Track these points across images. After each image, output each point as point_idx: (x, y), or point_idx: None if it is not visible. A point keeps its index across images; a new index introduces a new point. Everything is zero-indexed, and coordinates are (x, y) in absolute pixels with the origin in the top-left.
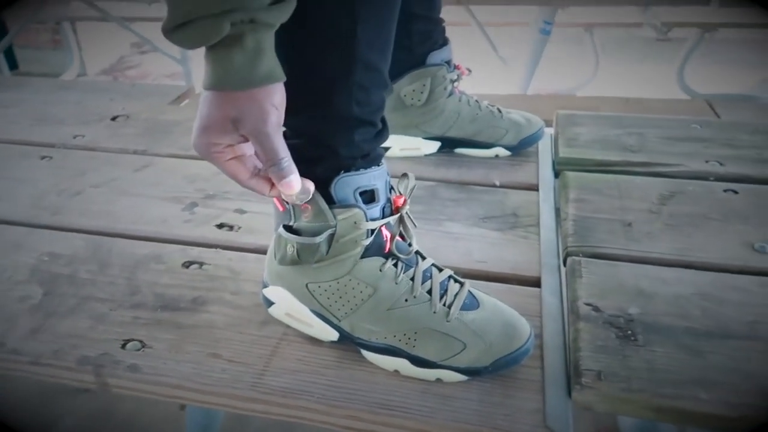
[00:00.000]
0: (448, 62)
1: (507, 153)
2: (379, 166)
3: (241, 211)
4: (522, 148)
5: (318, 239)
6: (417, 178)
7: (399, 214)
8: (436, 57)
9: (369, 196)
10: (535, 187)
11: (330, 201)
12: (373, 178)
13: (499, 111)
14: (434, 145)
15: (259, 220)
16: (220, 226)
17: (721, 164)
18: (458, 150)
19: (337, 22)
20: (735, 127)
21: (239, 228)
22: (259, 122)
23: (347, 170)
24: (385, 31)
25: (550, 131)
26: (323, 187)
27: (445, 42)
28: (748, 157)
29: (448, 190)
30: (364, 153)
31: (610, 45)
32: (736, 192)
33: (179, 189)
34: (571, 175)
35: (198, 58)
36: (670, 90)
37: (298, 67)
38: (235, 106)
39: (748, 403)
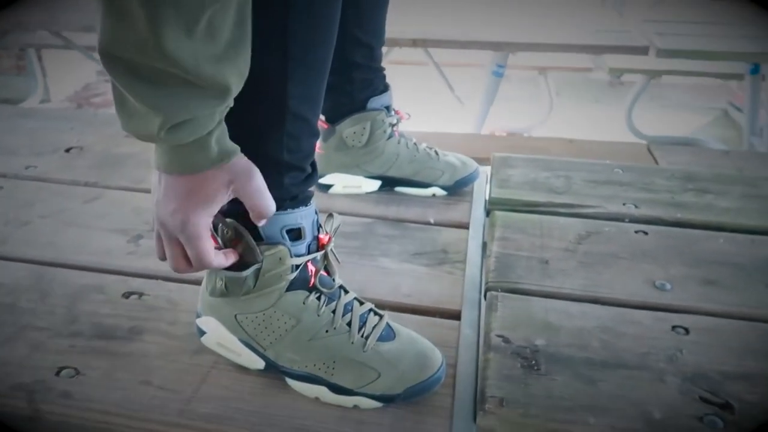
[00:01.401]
0: (388, 107)
1: (443, 193)
2: (307, 206)
3: None
4: (458, 188)
5: (245, 273)
6: (357, 215)
7: (324, 251)
8: (376, 102)
9: (296, 234)
10: (466, 225)
11: (258, 238)
12: (300, 217)
13: (436, 153)
14: (375, 184)
15: None
16: (164, 258)
17: (636, 207)
18: (398, 188)
19: (270, 78)
20: (653, 171)
21: None
22: (251, 178)
23: (275, 210)
24: (316, 86)
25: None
26: (252, 225)
27: (385, 88)
28: (661, 200)
29: (385, 227)
30: (292, 195)
31: (566, 87)
32: (646, 233)
33: (126, 221)
34: (499, 214)
35: None
36: (619, 131)
37: (234, 116)
38: (230, 171)
39: (633, 428)
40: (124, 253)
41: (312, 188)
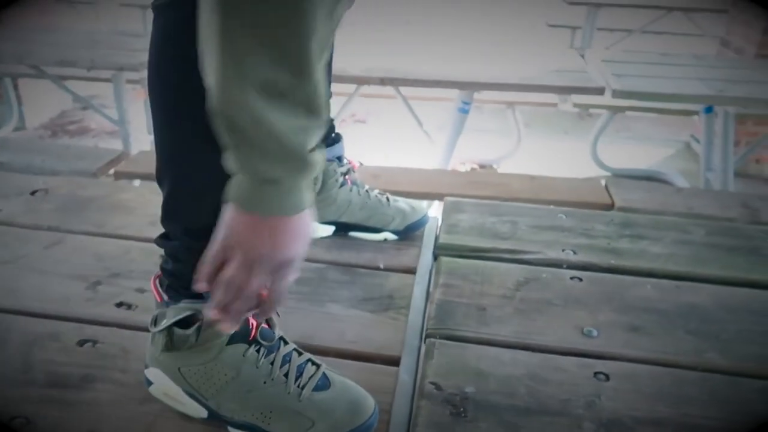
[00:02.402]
0: (339, 157)
1: (394, 237)
2: None
3: (142, 291)
4: (408, 233)
5: (188, 331)
6: (309, 260)
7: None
8: (328, 153)
9: None
10: (413, 271)
11: (202, 295)
12: None
13: (387, 199)
14: (329, 229)
15: None
16: (119, 305)
17: (574, 253)
18: (351, 233)
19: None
20: (594, 217)
21: (137, 307)
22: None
23: None
24: None
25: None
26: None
27: (337, 139)
28: (598, 246)
29: (336, 273)
30: None
31: (536, 118)
32: (581, 279)
33: (86, 267)
34: (444, 260)
35: (136, 121)
36: (586, 163)
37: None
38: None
39: None
40: (82, 299)
41: None
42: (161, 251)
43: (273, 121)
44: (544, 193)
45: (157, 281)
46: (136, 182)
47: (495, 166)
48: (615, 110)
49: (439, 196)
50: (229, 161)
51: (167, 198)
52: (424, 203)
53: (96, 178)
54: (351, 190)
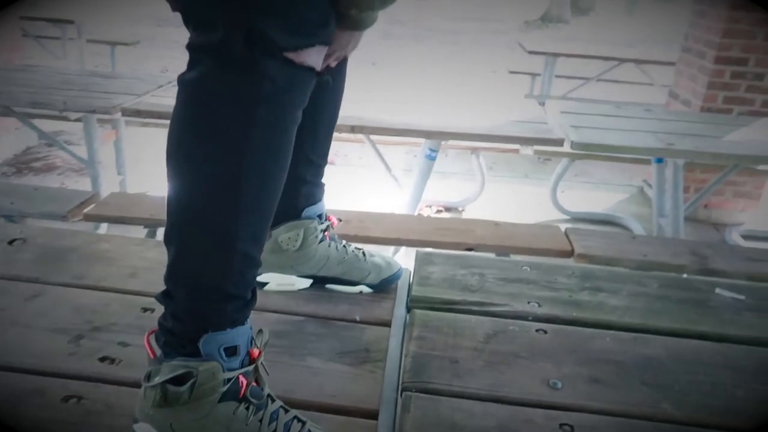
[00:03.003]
0: (320, 215)
1: (370, 290)
2: (243, 324)
3: (125, 344)
4: (383, 287)
5: (182, 388)
6: (288, 313)
7: (254, 365)
8: (311, 211)
9: (231, 351)
10: (388, 323)
11: (197, 354)
12: (236, 336)
13: (364, 254)
14: (307, 282)
15: (141, 354)
16: (103, 359)
17: (539, 305)
18: (328, 286)
19: (220, 220)
20: (556, 269)
21: (120, 361)
22: None
23: (215, 330)
24: (263, 228)
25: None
26: (192, 343)
27: (320, 198)
28: (560, 298)
29: (314, 325)
30: (233, 320)
31: (499, 162)
32: (545, 332)
33: (67, 320)
34: (418, 313)
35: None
36: (546, 206)
37: (182, 249)
38: None
39: None
40: (65, 354)
41: (261, 280)
42: (143, 304)
43: None
44: (509, 240)
45: (152, 337)
46: (103, 227)
47: (460, 209)
48: (573, 157)
49: (409, 243)
50: None
51: (174, 260)
52: (398, 258)
53: (67, 221)
54: (330, 246)
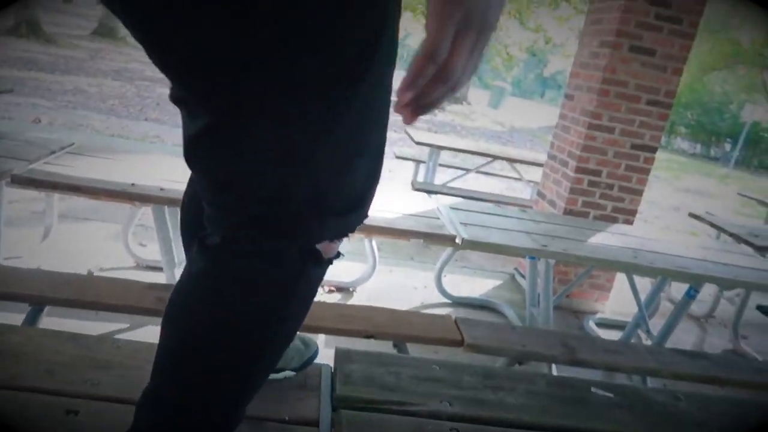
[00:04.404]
0: None
1: (293, 374)
2: None
3: None
4: (304, 368)
5: None
6: None
7: None
8: None
9: None
10: (316, 423)
11: None
12: None
13: None
14: None
15: None
16: None
17: (450, 404)
18: None
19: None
20: (462, 369)
21: None
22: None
23: None
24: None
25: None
26: None
27: None
28: (467, 397)
29: (245, 427)
30: None
31: (385, 245)
32: (458, 431)
33: None
34: (344, 413)
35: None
36: (430, 290)
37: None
38: None
39: None
40: None
41: None
42: (66, 406)
43: None
44: (405, 329)
45: None
46: None
47: (351, 290)
48: (457, 248)
49: (315, 329)
50: None
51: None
52: (314, 337)
53: None
54: None
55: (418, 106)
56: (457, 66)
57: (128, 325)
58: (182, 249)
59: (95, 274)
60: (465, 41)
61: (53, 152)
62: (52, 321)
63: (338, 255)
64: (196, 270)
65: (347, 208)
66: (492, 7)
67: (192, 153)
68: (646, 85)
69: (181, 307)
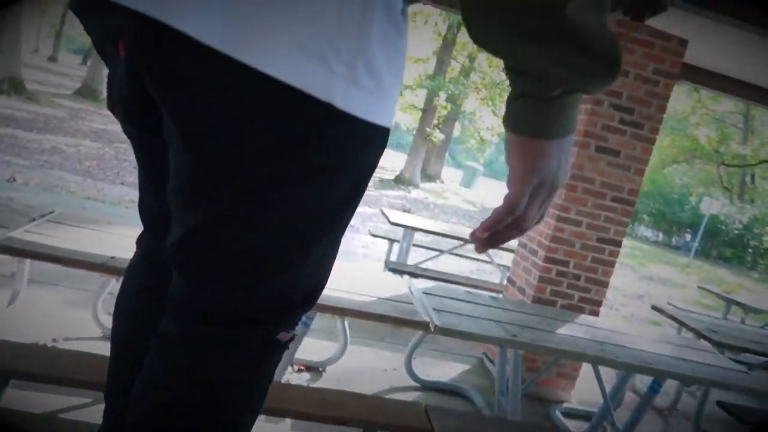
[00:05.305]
0: None
1: None
2: None
3: None
4: None
5: None
6: None
7: None
8: None
9: None
10: None
11: None
12: None
13: None
14: None
15: None
16: None
17: None
18: None
19: None
20: None
21: None
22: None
23: None
24: None
25: None
26: None
27: None
28: None
29: None
30: None
31: (355, 323)
32: None
33: None
34: None
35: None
36: (400, 373)
37: None
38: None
39: None
40: None
41: None
42: None
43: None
44: (377, 416)
45: None
46: None
47: (321, 369)
48: (428, 332)
49: (282, 412)
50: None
51: None
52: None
53: None
54: None
55: (491, 242)
56: (530, 217)
57: (92, 400)
58: None
59: (61, 342)
60: (538, 199)
61: (33, 220)
62: (14, 393)
63: (293, 338)
64: (167, 364)
65: (305, 302)
66: (561, 174)
67: (179, 248)
68: (611, 183)
69: (158, 406)
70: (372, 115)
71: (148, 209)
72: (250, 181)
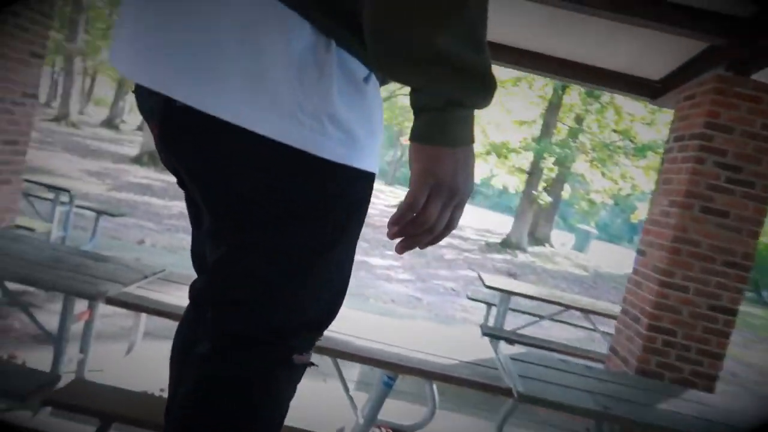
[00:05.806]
0: None
1: None
2: None
3: None
4: None
5: None
6: None
7: None
8: None
9: None
10: None
11: None
12: None
13: None
14: None
15: None
16: None
17: None
18: None
19: None
20: None
21: None
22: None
23: None
24: None
25: None
26: None
27: None
28: None
29: None
30: None
31: (448, 389)
32: None
33: None
34: None
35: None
36: None
37: None
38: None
39: None
40: None
41: None
42: None
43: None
44: None
45: None
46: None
47: None
48: (510, 398)
49: None
50: (420, 100)
51: None
52: None
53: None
54: None
55: (405, 243)
56: (429, 216)
57: None
58: None
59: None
60: (436, 199)
61: (146, 277)
62: None
63: (310, 363)
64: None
65: (310, 327)
66: (460, 181)
67: (216, 272)
68: (721, 246)
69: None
70: (349, 160)
71: (194, 252)
72: (249, 221)
